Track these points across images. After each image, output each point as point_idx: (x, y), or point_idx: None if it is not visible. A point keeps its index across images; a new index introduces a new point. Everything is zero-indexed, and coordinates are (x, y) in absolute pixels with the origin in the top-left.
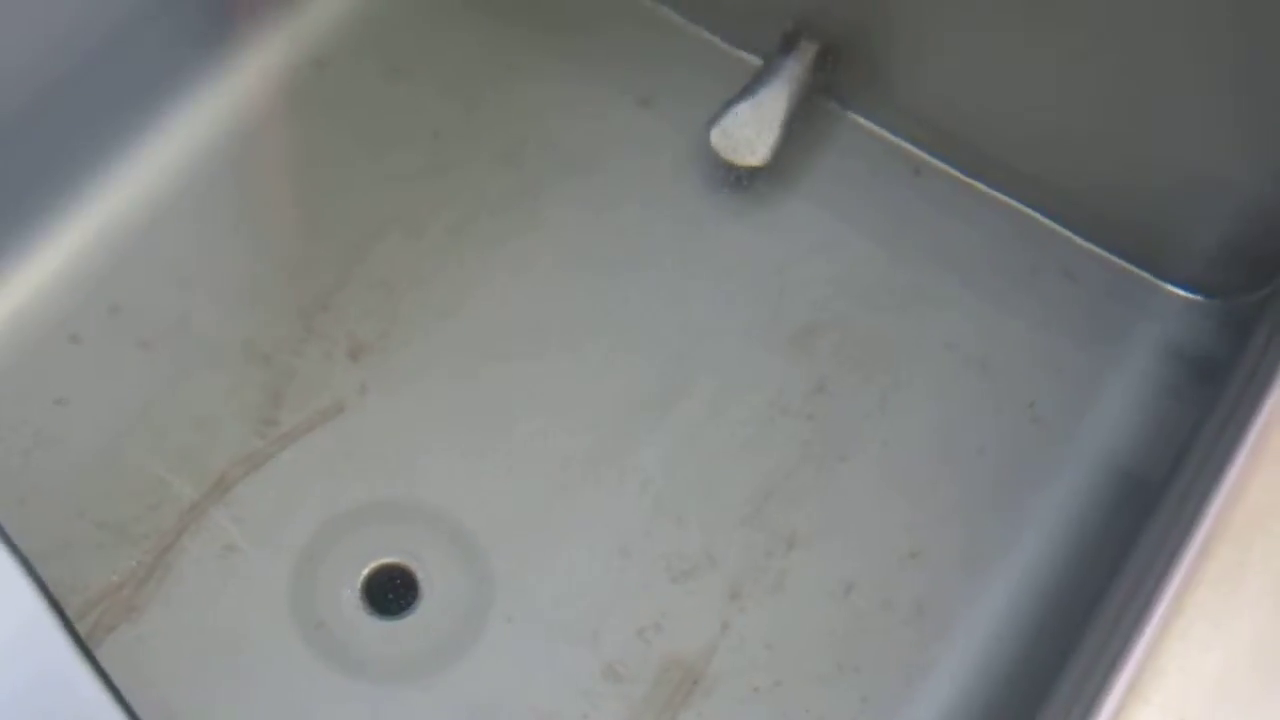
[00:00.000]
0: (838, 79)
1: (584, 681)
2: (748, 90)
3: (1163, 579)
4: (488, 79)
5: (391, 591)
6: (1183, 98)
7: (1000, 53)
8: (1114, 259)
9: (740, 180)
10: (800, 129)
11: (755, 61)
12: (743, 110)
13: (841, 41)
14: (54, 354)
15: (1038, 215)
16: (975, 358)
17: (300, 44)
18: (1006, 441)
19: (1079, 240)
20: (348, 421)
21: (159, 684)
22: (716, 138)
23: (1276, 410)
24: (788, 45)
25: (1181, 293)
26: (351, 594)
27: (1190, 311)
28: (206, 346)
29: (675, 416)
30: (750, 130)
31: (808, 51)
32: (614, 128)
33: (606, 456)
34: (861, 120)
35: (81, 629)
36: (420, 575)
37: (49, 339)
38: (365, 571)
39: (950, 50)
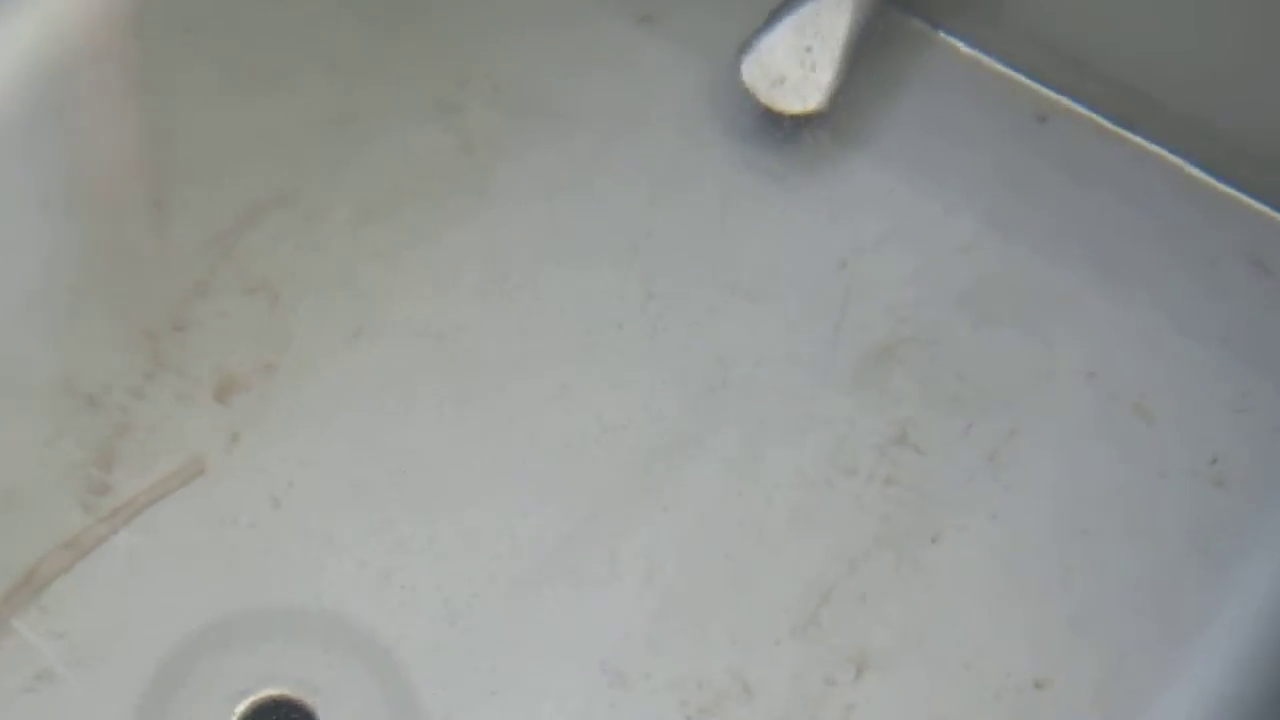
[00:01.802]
0: None
1: None
2: (793, 2)
3: None
4: None
5: None
6: None
7: None
8: None
9: (785, 134)
10: (871, 59)
11: None
12: (786, 32)
13: None
14: None
15: (1216, 181)
16: (1127, 392)
17: None
18: (1174, 515)
19: (1277, 216)
20: (213, 489)
21: None
22: (750, 73)
23: None
24: None
25: None
26: None
27: None
28: (4, 384)
29: (692, 480)
30: (798, 61)
31: None
32: (599, 59)
33: (592, 537)
34: (960, 45)
35: None
36: (319, 715)
37: None
38: (241, 710)
39: None
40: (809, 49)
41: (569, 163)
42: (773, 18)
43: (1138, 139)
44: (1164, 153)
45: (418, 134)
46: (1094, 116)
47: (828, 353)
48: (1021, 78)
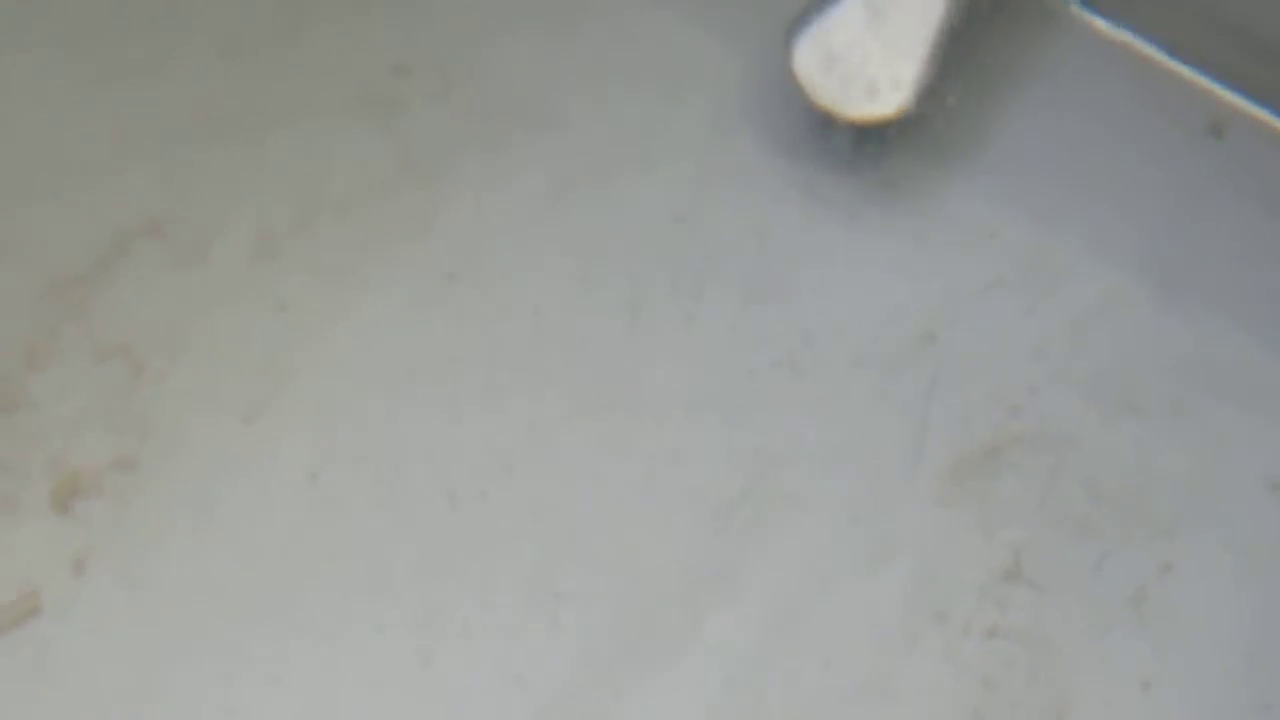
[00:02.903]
0: None
1: None
2: None
3: None
4: None
5: None
6: None
7: None
8: None
9: (853, 149)
10: (977, 46)
11: None
12: (856, 6)
13: None
14: None
15: None
16: None
17: None
18: None
19: None
20: (48, 634)
21: None
22: (805, 62)
23: None
24: None
25: None
26: None
27: None
28: None
29: (716, 631)
30: (872, 47)
31: None
32: (593, 43)
33: (570, 714)
34: (1103, 24)
35: None
36: None
37: None
38: None
39: None
40: (888, 30)
41: (549, 186)
42: None
43: None
44: None
45: (339, 141)
46: None
47: (911, 453)
48: (1189, 72)
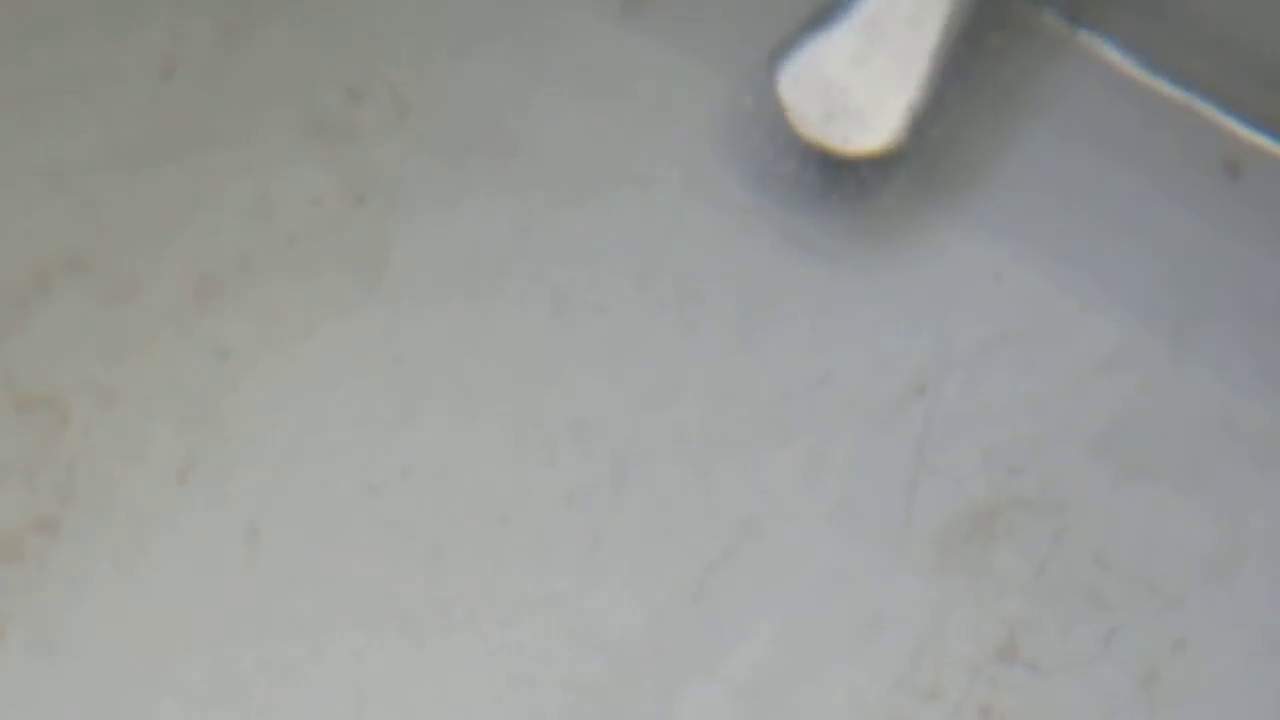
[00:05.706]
0: None
1: None
2: None
3: None
4: None
5: None
6: None
7: None
8: None
9: (841, 187)
10: (977, 74)
11: None
12: (846, 30)
13: None
14: None
15: None
16: None
17: None
18: None
19: None
20: None
21: None
22: (791, 91)
23: None
24: None
25: None
26: None
27: None
28: None
29: (691, 705)
30: (864, 74)
31: None
32: (562, 66)
33: None
34: (1111, 52)
35: None
36: None
37: None
38: None
39: None
40: (880, 55)
41: (512, 226)
42: (826, 8)
43: None
44: None
45: (285, 170)
46: None
47: (899, 517)
48: (1204, 106)
